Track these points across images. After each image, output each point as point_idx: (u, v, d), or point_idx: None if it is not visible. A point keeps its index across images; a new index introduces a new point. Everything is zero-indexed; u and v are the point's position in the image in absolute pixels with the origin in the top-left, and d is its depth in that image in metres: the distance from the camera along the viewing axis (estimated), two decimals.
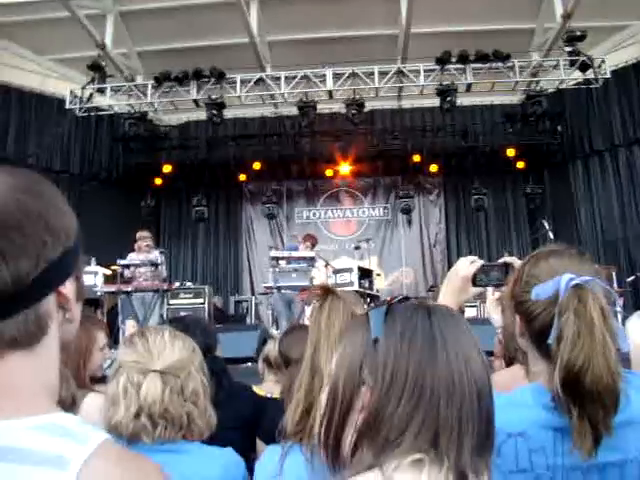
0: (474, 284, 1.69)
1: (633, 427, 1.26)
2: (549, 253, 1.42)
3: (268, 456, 1.61)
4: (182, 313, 10.69)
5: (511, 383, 1.48)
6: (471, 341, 0.99)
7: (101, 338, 2.96)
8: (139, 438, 1.68)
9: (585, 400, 1.21)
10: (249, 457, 1.94)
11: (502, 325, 2.19)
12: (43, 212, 0.84)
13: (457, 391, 0.92)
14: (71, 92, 12.32)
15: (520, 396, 1.34)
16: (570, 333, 1.22)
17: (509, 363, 2.36)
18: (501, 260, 1.72)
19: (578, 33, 11.15)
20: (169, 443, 1.72)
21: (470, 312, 9.58)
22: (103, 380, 2.89)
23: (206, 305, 11.12)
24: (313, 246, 10.30)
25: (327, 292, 1.69)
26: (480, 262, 1.69)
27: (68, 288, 0.88)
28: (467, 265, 1.70)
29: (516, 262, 1.65)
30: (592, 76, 11.56)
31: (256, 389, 3.36)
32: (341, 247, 14.56)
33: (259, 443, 2.81)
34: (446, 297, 1.68)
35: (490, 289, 2.10)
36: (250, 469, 1.87)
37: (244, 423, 2.82)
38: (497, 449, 1.24)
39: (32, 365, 0.85)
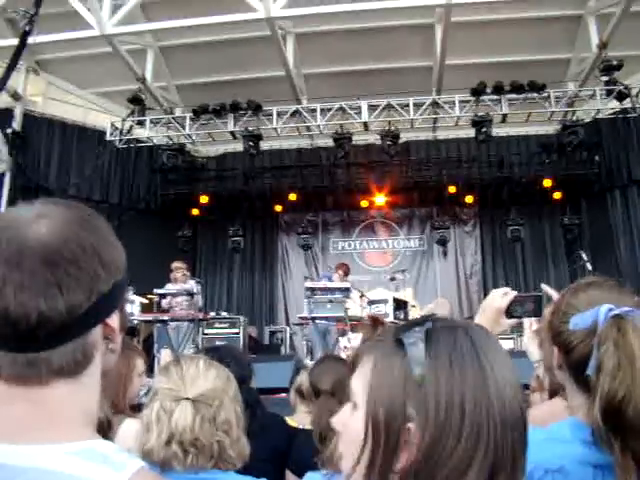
0: (508, 316, 1.66)
1: None
2: (588, 284, 1.40)
3: None
4: (217, 342, 10.75)
5: (549, 418, 1.46)
6: (509, 361, 0.93)
7: (140, 364, 3.00)
8: (171, 465, 1.69)
9: (627, 434, 1.17)
10: None
11: (540, 358, 2.15)
12: (97, 246, 0.88)
13: (509, 420, 0.86)
14: (112, 124, 12.64)
15: (558, 431, 1.31)
16: (610, 364, 1.20)
17: (552, 397, 2.32)
18: (541, 285, 1.70)
19: (614, 62, 11.07)
20: (203, 472, 1.72)
21: (507, 344, 9.43)
22: (140, 408, 2.91)
23: (241, 335, 11.14)
24: (346, 274, 10.32)
25: (377, 323, 1.67)
26: (513, 293, 1.68)
27: (114, 320, 0.92)
28: (500, 297, 1.68)
29: (549, 292, 1.63)
30: (629, 105, 11.45)
31: (289, 420, 3.35)
32: (376, 278, 14.47)
33: (288, 474, 2.79)
34: None
35: (527, 321, 2.08)
36: None
37: (276, 454, 2.81)
38: None
39: (76, 393, 0.88)
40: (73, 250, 0.84)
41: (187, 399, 1.74)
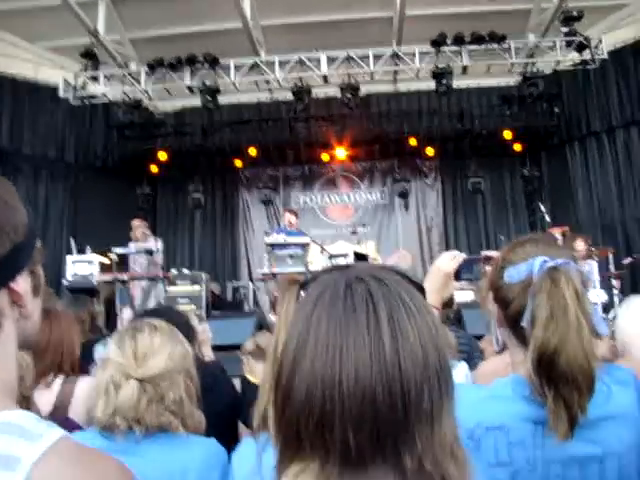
0: (457, 279, 1.66)
1: (614, 421, 1.25)
2: (525, 240, 1.42)
3: (245, 447, 1.58)
4: (179, 300, 10.73)
5: (491, 377, 1.46)
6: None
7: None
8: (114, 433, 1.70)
9: (560, 382, 1.20)
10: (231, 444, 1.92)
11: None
12: None
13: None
14: (64, 80, 12.21)
15: (500, 389, 1.32)
16: (543, 315, 1.21)
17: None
18: (481, 253, 1.69)
19: (574, 13, 11.06)
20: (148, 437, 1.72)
21: (467, 296, 9.55)
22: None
23: (203, 292, 11.12)
24: (296, 216, 10.28)
25: (292, 283, 1.61)
26: (462, 256, 1.67)
27: (20, 284, 0.87)
28: (449, 260, 1.67)
29: (493, 255, 1.63)
30: (589, 57, 11.47)
31: (249, 377, 3.37)
32: (338, 232, 14.50)
33: (241, 427, 2.80)
34: (429, 294, 1.64)
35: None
36: None
37: (224, 408, 2.80)
38: (477, 443, 1.23)
39: None
40: None
41: (135, 379, 1.73)
